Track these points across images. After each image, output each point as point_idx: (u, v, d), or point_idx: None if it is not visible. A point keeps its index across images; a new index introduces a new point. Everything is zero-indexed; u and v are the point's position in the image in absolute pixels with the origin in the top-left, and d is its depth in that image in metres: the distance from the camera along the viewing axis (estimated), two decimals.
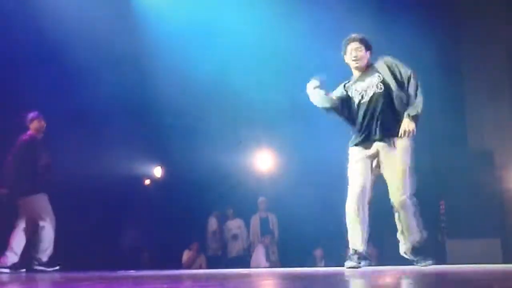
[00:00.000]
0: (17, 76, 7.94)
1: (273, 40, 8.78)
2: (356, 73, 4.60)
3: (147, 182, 11.46)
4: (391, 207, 4.48)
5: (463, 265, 5.14)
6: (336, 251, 9.29)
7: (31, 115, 6.35)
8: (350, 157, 4.56)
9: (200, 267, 9.06)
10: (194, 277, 3.72)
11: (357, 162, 4.50)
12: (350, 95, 4.57)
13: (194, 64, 8.76)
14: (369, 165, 4.48)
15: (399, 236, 4.52)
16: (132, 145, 9.45)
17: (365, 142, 4.47)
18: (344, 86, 4.66)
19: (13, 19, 7.75)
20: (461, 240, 7.93)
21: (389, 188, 4.43)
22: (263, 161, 9.84)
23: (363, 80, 4.51)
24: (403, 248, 4.49)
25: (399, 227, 4.51)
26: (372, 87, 4.45)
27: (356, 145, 4.53)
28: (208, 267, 9.05)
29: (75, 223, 8.35)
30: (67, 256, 7.95)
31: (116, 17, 8.50)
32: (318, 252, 9.22)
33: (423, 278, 2.89)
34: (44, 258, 6.13)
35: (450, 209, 8.19)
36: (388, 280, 2.89)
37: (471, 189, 7.94)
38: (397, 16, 8.08)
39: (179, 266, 9.00)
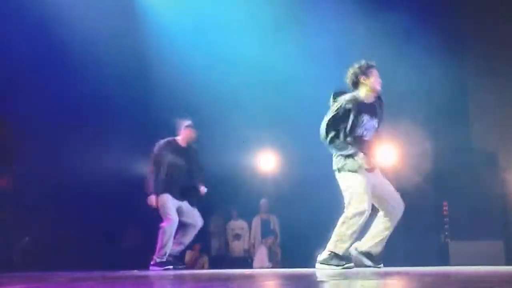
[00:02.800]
0: (18, 75, 7.96)
1: (277, 41, 8.79)
2: (368, 97, 4.86)
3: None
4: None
5: (466, 267, 5.13)
6: None
7: (186, 123, 6.63)
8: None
9: (203, 267, 9.07)
10: (196, 277, 3.72)
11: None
12: (355, 113, 4.76)
13: (198, 64, 8.77)
14: None
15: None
16: (135, 145, 9.44)
17: None
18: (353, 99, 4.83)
19: (15, 19, 7.76)
20: (464, 242, 7.92)
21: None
22: (266, 162, 9.83)
23: (373, 108, 4.87)
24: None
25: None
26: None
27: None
28: (211, 267, 9.06)
29: (77, 223, 8.36)
30: (69, 255, 7.98)
31: (120, 16, 8.51)
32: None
33: (425, 279, 2.88)
34: (157, 258, 6.19)
35: (453, 211, 8.17)
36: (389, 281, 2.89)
37: (474, 190, 7.92)
38: (398, 19, 8.09)
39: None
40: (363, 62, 4.92)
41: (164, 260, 6.19)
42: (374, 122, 4.85)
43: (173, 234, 6.29)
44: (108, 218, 9.02)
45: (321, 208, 8.78)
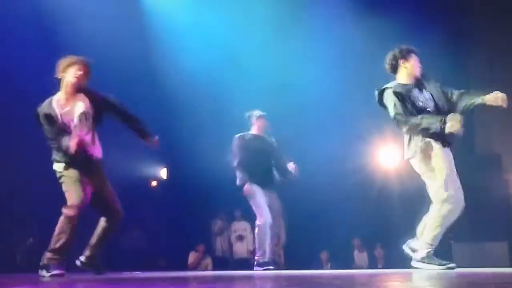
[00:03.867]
0: (23, 75, 7.98)
1: (281, 41, 8.80)
2: (409, 80, 4.75)
3: (154, 183, 11.47)
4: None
5: (470, 269, 5.11)
6: (342, 253, 9.27)
7: (258, 113, 6.63)
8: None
9: (206, 269, 9.07)
10: (200, 279, 3.72)
11: None
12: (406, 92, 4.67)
13: (204, 65, 8.79)
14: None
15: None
16: (139, 146, 9.45)
17: None
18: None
19: (18, 20, 7.79)
20: (468, 243, 7.89)
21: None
22: None
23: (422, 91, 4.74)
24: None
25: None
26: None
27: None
28: (214, 268, 9.05)
29: (81, 224, 8.35)
30: (73, 257, 7.97)
31: (125, 16, 8.53)
32: (324, 255, 9.21)
33: (428, 281, 2.87)
34: (257, 256, 6.17)
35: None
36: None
37: (478, 192, 7.89)
38: (400, 20, 8.08)
39: (185, 267, 9.01)
40: (403, 46, 4.83)
41: (266, 260, 6.10)
42: (426, 94, 4.72)
43: (267, 231, 6.10)
44: None
45: (324, 210, 8.78)
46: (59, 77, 4.63)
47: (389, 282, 2.93)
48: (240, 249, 9.49)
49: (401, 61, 4.78)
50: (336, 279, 3.23)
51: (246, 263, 9.11)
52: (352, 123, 8.56)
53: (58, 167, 4.51)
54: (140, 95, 9.24)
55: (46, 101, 4.61)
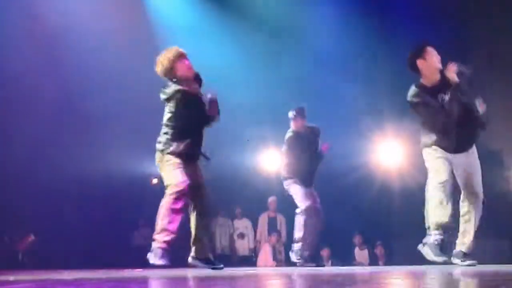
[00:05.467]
0: (25, 77, 7.99)
1: (282, 39, 8.80)
2: (434, 79, 4.51)
3: (154, 181, 11.47)
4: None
5: (471, 266, 5.11)
6: (343, 251, 9.27)
7: (290, 114, 6.72)
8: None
9: None
10: (200, 277, 3.72)
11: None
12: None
13: (202, 63, 8.78)
14: None
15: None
16: (140, 144, 9.47)
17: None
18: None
19: (20, 23, 7.80)
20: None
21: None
22: (271, 160, 9.82)
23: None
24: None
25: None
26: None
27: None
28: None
29: (83, 222, 8.39)
30: (74, 254, 8.00)
31: (125, 18, 8.54)
32: (325, 252, 9.21)
33: (430, 279, 2.87)
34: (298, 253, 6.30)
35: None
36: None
37: None
38: (400, 20, 8.08)
39: (185, 265, 9.01)
40: (417, 45, 4.51)
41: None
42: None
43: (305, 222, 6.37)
44: (113, 217, 9.05)
45: (325, 207, 8.77)
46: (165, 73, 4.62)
47: (390, 279, 2.92)
48: (242, 246, 9.49)
49: (418, 62, 4.46)
50: (337, 276, 3.22)
51: (247, 260, 9.12)
52: (353, 120, 8.55)
53: None
54: (142, 92, 9.25)
55: None
